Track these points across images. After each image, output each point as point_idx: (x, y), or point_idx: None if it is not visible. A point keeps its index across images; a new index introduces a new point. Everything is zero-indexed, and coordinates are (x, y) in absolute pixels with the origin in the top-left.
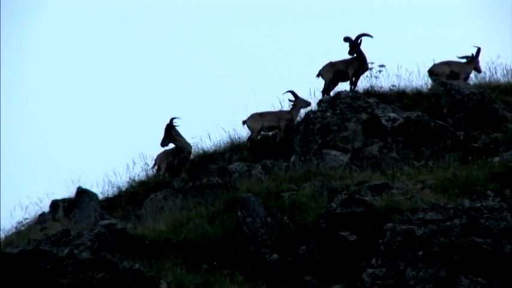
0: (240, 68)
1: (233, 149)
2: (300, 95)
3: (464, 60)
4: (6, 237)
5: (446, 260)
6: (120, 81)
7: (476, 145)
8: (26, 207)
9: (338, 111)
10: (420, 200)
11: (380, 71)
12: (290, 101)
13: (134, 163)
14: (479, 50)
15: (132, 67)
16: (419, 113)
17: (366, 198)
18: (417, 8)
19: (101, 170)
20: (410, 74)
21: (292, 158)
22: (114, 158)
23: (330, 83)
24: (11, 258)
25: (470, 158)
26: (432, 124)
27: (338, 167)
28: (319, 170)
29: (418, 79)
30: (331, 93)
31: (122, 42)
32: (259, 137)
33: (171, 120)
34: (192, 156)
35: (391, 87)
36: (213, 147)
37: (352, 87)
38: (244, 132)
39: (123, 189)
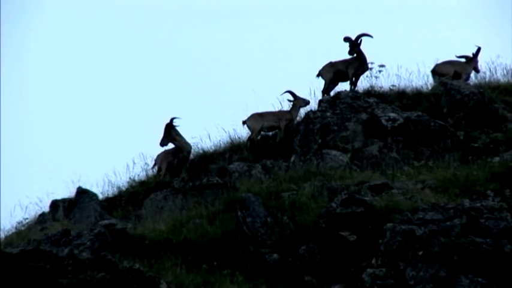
0: (240, 68)
1: (233, 149)
2: (299, 94)
3: (463, 60)
4: (6, 237)
5: (446, 260)
6: (120, 81)
7: (476, 145)
8: (26, 207)
9: (338, 111)
10: (420, 200)
11: (380, 71)
12: (289, 101)
13: (134, 163)
14: (479, 49)
15: (132, 67)
16: (419, 113)
17: (366, 198)
18: (417, 8)
19: (101, 170)
20: (410, 74)
21: (292, 158)
22: (114, 158)
23: (330, 83)
24: (11, 258)
25: (470, 158)
26: (432, 124)
27: (338, 167)
28: (319, 170)
29: (418, 79)
30: (331, 93)
31: (122, 42)
32: (259, 137)
33: (171, 120)
34: (192, 156)
35: (391, 87)
36: (213, 147)
37: (352, 87)
38: (244, 132)
39: (123, 189)
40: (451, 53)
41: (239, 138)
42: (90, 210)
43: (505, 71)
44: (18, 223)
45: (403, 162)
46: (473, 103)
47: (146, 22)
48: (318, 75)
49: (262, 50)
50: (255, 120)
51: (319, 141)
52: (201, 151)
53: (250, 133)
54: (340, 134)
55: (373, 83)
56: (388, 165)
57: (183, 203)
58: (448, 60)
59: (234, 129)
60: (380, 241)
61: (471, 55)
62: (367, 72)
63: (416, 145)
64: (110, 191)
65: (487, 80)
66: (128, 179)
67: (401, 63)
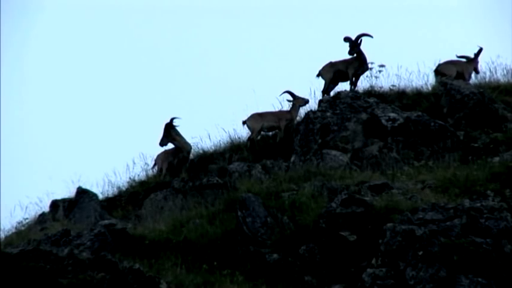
0: (240, 68)
1: (233, 149)
2: (299, 94)
3: (464, 60)
4: (6, 237)
5: (446, 260)
6: (120, 81)
7: (476, 145)
8: (26, 207)
9: (338, 111)
10: (420, 200)
11: (380, 71)
12: (289, 101)
13: (134, 163)
14: (480, 50)
15: (132, 67)
16: (419, 113)
17: (366, 198)
18: (417, 8)
19: (101, 170)
20: (410, 74)
21: (292, 158)
22: (114, 158)
23: (330, 83)
24: (11, 258)
25: (470, 158)
26: (432, 124)
27: (338, 167)
28: (319, 170)
29: (418, 79)
30: (331, 93)
31: (122, 42)
32: (259, 137)
33: (171, 120)
34: (192, 156)
35: (391, 87)
36: (213, 147)
37: (352, 87)
38: (244, 132)
39: (123, 189)
40: (451, 53)
41: (239, 138)
42: (90, 210)
43: (505, 71)
44: (18, 223)
45: (403, 162)
46: (473, 103)
47: (146, 22)
48: (318, 75)
49: (262, 50)
50: (255, 120)
51: (319, 141)
52: (201, 151)
53: (250, 133)
54: (340, 134)
55: (373, 83)
56: (388, 165)
57: (183, 203)
58: (451, 60)
59: (234, 129)
60: (380, 241)
61: (472, 55)
62: (367, 72)
63: (416, 145)
64: (110, 191)
65: (487, 80)
66: (128, 179)
67: (401, 63)
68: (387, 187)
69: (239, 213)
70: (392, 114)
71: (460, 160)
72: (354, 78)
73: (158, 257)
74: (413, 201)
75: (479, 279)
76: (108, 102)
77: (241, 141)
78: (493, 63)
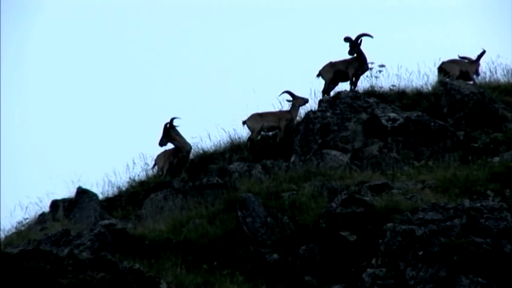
0: (240, 68)
1: (233, 149)
2: (299, 94)
3: (466, 61)
4: (6, 237)
5: (446, 260)
6: (120, 81)
7: (476, 145)
8: (26, 207)
9: (338, 111)
10: (420, 200)
11: (380, 71)
12: (288, 101)
13: (134, 163)
14: (483, 52)
15: (132, 67)
16: (419, 113)
17: (366, 198)
18: (417, 8)
19: (101, 170)
20: (410, 74)
21: (292, 158)
22: (114, 158)
23: (330, 83)
24: (11, 258)
25: (470, 158)
26: (432, 124)
27: (338, 167)
28: (319, 170)
29: (418, 79)
30: (331, 93)
31: (122, 42)
32: (259, 137)
33: (171, 120)
34: (192, 156)
35: (391, 87)
36: (213, 147)
37: (352, 87)
38: (244, 132)
39: (123, 189)
40: (450, 53)
41: (239, 138)
42: (90, 210)
43: (505, 71)
44: (18, 223)
45: (403, 162)
46: (473, 103)
47: (146, 22)
48: (318, 75)
49: (262, 50)
50: (255, 121)
51: (319, 141)
52: (201, 151)
53: (250, 133)
54: (340, 134)
55: (373, 83)
56: (388, 165)
57: (183, 203)
58: (455, 59)
59: (234, 129)
60: (380, 241)
61: (473, 57)
62: (367, 72)
63: (416, 145)
64: (110, 191)
65: (487, 80)
66: (128, 179)
67: (402, 63)
68: (387, 187)
69: (239, 213)
70: (392, 114)
71: (460, 160)
72: (354, 78)
73: (158, 257)
74: (414, 201)
75: (479, 279)
76: (108, 102)
77: (241, 141)
78: (493, 63)
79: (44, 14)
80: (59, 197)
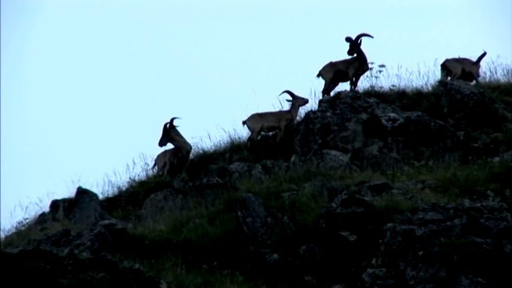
0: (240, 68)
1: (233, 149)
2: (299, 94)
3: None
4: (6, 237)
5: (446, 260)
6: (120, 81)
7: (476, 145)
8: (26, 207)
9: (338, 111)
10: (420, 200)
11: (380, 71)
12: (288, 101)
13: (134, 163)
14: (484, 54)
15: (132, 67)
16: (419, 113)
17: (366, 198)
18: (417, 8)
19: (101, 170)
20: (410, 74)
21: (292, 158)
22: (114, 158)
23: (330, 83)
24: (11, 258)
25: (470, 158)
26: (432, 124)
27: (338, 167)
28: (319, 170)
29: (418, 79)
30: (332, 93)
31: (122, 42)
32: (259, 137)
33: (172, 120)
34: (192, 156)
35: (391, 87)
36: (213, 147)
37: (352, 87)
38: (244, 132)
39: (123, 189)
40: (450, 53)
41: (239, 138)
42: (90, 210)
43: (505, 71)
44: (18, 223)
45: (403, 162)
46: (473, 103)
47: (146, 22)
48: (318, 75)
49: (262, 50)
50: (255, 121)
51: (319, 141)
52: (201, 151)
53: (250, 133)
54: (340, 134)
55: (373, 83)
56: (388, 165)
57: (183, 203)
58: (458, 58)
59: (234, 129)
60: (380, 241)
61: (474, 58)
62: (367, 72)
63: (416, 145)
64: (110, 191)
65: (487, 80)
66: (128, 179)
67: (402, 63)
68: (387, 187)
69: (239, 213)
70: (392, 114)
71: (460, 160)
72: (354, 78)
73: (158, 257)
74: (414, 201)
75: (479, 279)
76: (108, 102)
77: (241, 141)
78: (493, 63)
79: (44, 14)
80: (59, 197)
